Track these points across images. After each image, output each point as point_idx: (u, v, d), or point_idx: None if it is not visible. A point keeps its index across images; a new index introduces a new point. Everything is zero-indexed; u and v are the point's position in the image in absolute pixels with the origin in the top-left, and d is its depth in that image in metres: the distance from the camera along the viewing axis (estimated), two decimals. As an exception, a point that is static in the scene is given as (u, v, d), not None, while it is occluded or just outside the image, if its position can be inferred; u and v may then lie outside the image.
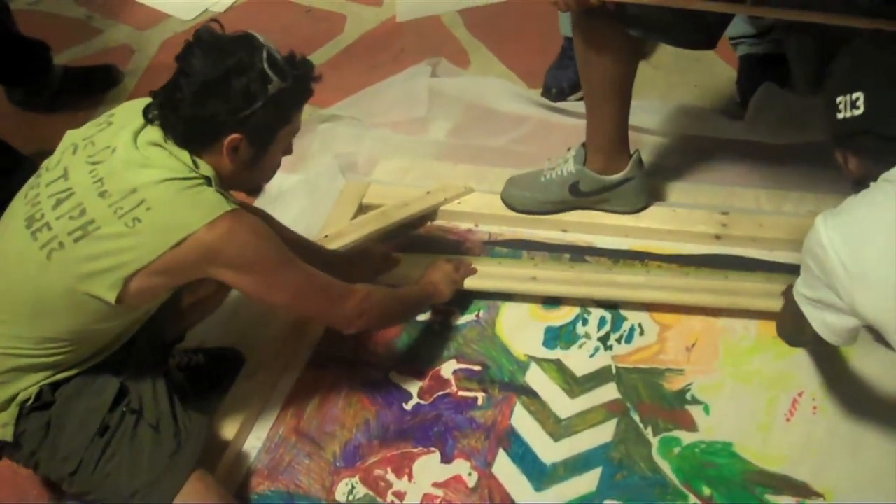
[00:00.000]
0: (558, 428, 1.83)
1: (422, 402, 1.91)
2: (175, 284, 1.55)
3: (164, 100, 1.48)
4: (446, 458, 1.81)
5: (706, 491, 1.70)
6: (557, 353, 1.97)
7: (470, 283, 2.03)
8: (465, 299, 2.06)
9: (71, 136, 1.57)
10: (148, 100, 1.53)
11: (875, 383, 1.82)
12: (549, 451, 1.80)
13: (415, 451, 1.83)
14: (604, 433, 1.82)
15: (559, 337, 2.01)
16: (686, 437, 1.79)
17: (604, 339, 1.99)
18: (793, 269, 2.01)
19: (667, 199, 2.27)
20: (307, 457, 1.83)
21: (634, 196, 2.21)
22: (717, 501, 1.69)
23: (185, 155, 1.47)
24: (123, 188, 1.44)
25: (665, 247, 2.17)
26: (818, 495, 1.67)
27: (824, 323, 1.42)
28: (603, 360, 1.95)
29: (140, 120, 1.51)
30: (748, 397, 1.84)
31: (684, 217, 2.20)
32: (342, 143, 2.58)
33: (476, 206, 2.32)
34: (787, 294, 1.63)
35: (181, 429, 1.61)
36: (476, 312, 2.07)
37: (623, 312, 2.04)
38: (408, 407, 1.91)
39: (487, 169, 2.42)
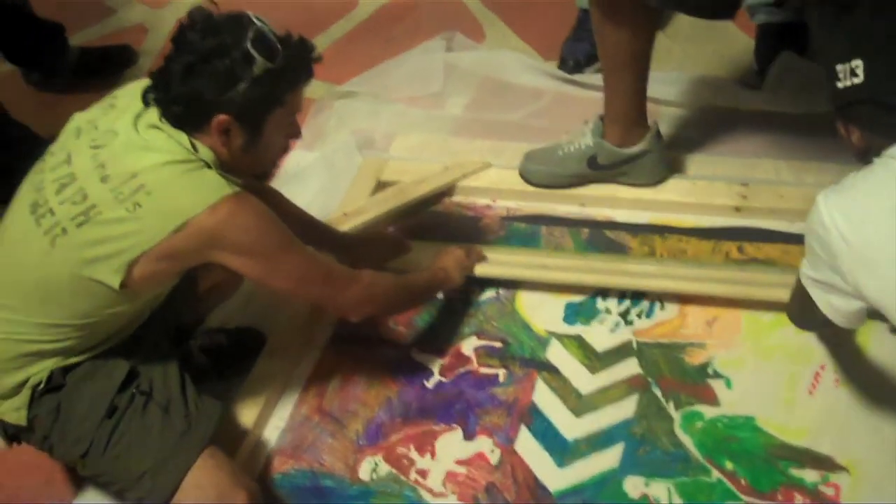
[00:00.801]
0: (580, 404, 1.84)
1: (443, 379, 1.92)
2: (180, 269, 1.54)
3: (158, 80, 1.47)
4: (469, 436, 1.81)
5: (729, 465, 1.70)
6: (578, 329, 1.97)
7: (481, 269, 2.02)
8: (469, 310, 2.04)
9: (75, 119, 1.56)
10: (148, 81, 1.52)
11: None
12: (572, 426, 1.80)
13: (437, 428, 1.83)
14: (626, 408, 1.82)
15: (579, 312, 2.01)
16: (708, 412, 1.79)
17: (624, 315, 1.98)
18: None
19: (686, 172, 2.26)
20: (330, 436, 1.84)
21: (653, 169, 2.20)
22: (740, 475, 1.69)
23: (183, 137, 1.46)
24: (124, 172, 1.43)
25: (684, 220, 2.16)
26: (842, 468, 1.67)
27: (830, 305, 1.39)
28: (624, 335, 1.95)
29: (141, 102, 1.50)
30: (770, 371, 1.84)
31: (704, 189, 2.19)
32: (359, 119, 2.58)
33: (493, 181, 2.31)
34: (797, 280, 1.60)
35: (191, 411, 1.60)
36: (496, 289, 2.07)
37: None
38: (429, 385, 1.91)
39: (504, 143, 2.41)
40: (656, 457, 1.73)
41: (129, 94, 1.54)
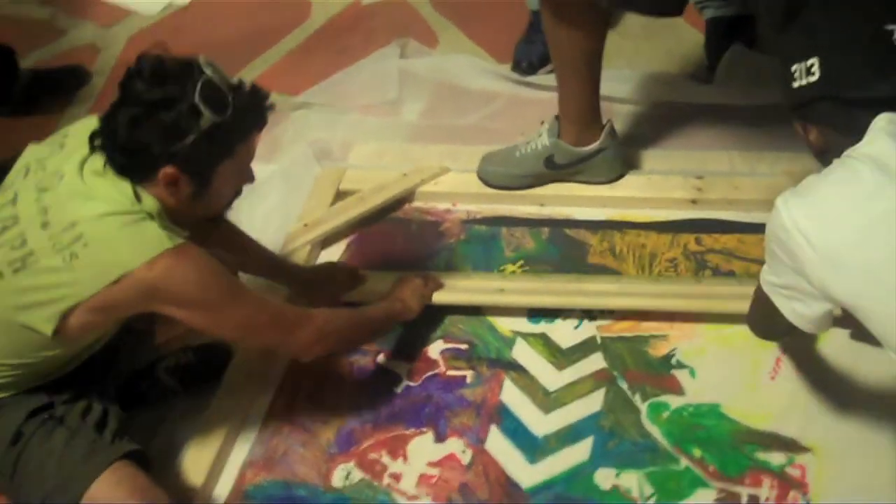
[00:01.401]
0: (548, 400, 1.85)
1: (411, 383, 1.93)
2: (118, 318, 1.53)
3: (104, 128, 1.45)
4: (439, 438, 1.82)
5: (697, 452, 1.73)
6: (542, 327, 1.99)
7: (438, 297, 1.99)
8: (435, 315, 2.03)
9: (27, 155, 1.54)
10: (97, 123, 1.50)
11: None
12: (541, 423, 1.82)
13: (408, 432, 1.84)
14: (593, 403, 1.84)
15: (543, 311, 2.02)
16: (674, 402, 1.81)
17: (587, 311, 2.00)
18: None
19: (642, 167, 2.30)
20: (301, 445, 1.84)
21: (609, 166, 2.23)
22: (708, 461, 1.71)
23: (127, 187, 1.43)
24: (64, 220, 1.41)
25: (642, 214, 2.20)
26: (807, 450, 1.70)
27: (795, 312, 1.37)
28: (588, 331, 1.97)
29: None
30: (732, 359, 1.87)
31: (660, 184, 2.23)
32: (315, 129, 2.59)
33: (453, 185, 2.33)
34: (757, 288, 1.58)
35: (102, 437, 1.56)
36: (460, 292, 2.09)
37: (605, 282, 2.06)
38: (398, 390, 1.92)
39: (461, 147, 2.43)
40: (625, 448, 1.75)
41: (79, 134, 1.51)
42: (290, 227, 2.24)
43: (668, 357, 1.89)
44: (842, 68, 1.30)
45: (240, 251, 1.87)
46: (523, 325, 2.00)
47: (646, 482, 1.70)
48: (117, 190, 1.43)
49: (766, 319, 1.52)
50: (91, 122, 1.51)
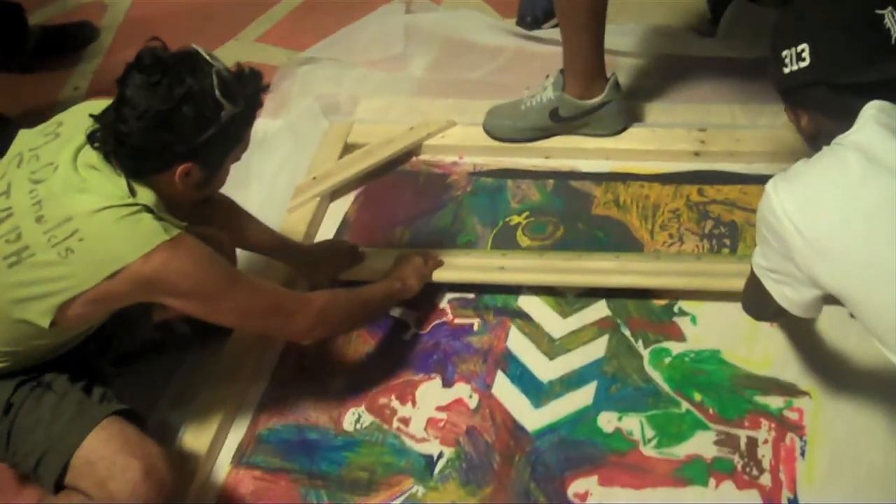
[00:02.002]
0: (552, 347, 1.90)
1: (420, 332, 1.97)
2: (115, 309, 1.54)
3: (110, 131, 1.42)
4: (447, 383, 1.87)
5: (697, 396, 1.77)
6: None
7: (438, 274, 1.99)
8: (435, 290, 2.03)
9: (19, 142, 1.54)
10: (99, 103, 1.50)
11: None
12: (545, 369, 1.86)
13: (416, 378, 1.89)
14: (596, 349, 1.88)
15: (548, 261, 2.06)
16: (675, 348, 1.86)
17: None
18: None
19: (645, 120, 2.33)
20: (312, 391, 1.89)
21: (613, 119, 2.26)
22: (708, 405, 1.76)
23: (121, 180, 1.42)
24: (59, 215, 1.40)
25: (646, 167, 2.23)
26: (804, 394, 1.75)
27: (785, 296, 1.38)
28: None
29: (84, 136, 1.46)
30: (732, 307, 1.89)
31: (663, 136, 2.26)
32: (322, 84, 2.62)
33: (459, 138, 2.36)
34: (751, 270, 1.59)
35: (89, 399, 1.58)
36: (466, 241, 2.13)
37: (606, 233, 2.10)
38: (406, 338, 1.96)
39: (467, 101, 2.46)
40: (628, 393, 1.80)
41: (74, 121, 1.51)
42: (299, 180, 2.27)
43: (670, 305, 1.94)
44: (832, 53, 1.29)
45: (239, 229, 1.89)
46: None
47: (647, 425, 1.75)
48: (111, 183, 1.42)
49: (757, 301, 1.54)
50: (84, 109, 1.51)
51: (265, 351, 1.96)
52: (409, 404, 1.85)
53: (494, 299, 2.00)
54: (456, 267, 2.01)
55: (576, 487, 1.68)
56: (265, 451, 1.79)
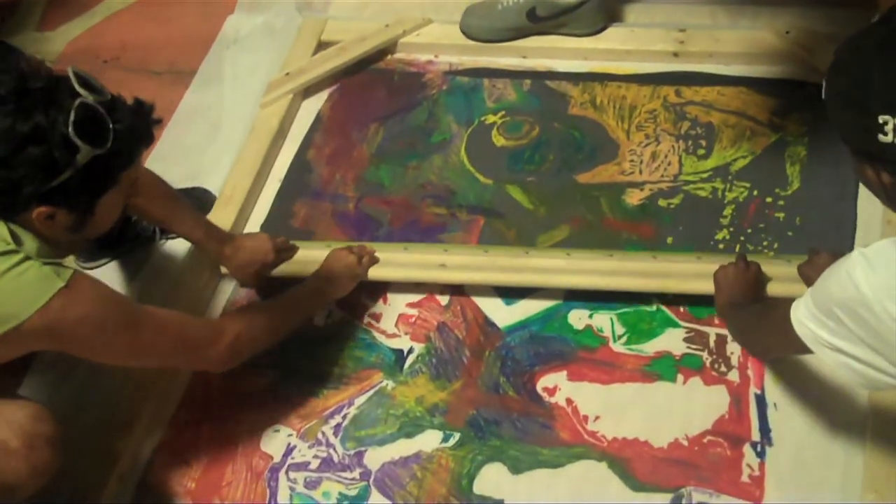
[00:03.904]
0: (525, 245, 1.89)
1: (392, 228, 1.96)
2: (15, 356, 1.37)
3: None
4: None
5: (669, 294, 1.77)
6: (522, 175, 2.02)
7: (374, 272, 1.84)
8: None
9: None
10: None
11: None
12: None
13: (388, 274, 1.88)
14: (570, 247, 1.87)
15: (523, 160, 2.04)
16: (648, 247, 1.85)
17: (567, 159, 2.03)
18: (749, 83, 2.08)
19: (624, 20, 2.29)
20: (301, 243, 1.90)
21: (592, 18, 2.22)
22: (679, 303, 1.76)
23: (2, 228, 1.28)
24: None
25: (624, 67, 2.20)
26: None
27: (851, 370, 1.18)
28: (566, 179, 2.00)
29: None
30: (707, 206, 1.90)
31: (642, 36, 2.22)
32: (296, -19, 2.55)
33: (435, 37, 2.32)
34: (762, 311, 1.50)
35: None
36: (440, 139, 2.11)
37: (582, 133, 2.07)
38: (379, 234, 1.95)
39: (444, -1, 2.41)
40: (599, 290, 1.80)
41: None
42: (272, 77, 2.24)
43: (644, 205, 1.92)
44: None
45: (164, 214, 1.76)
46: (503, 173, 2.03)
47: (618, 322, 1.76)
48: None
49: (770, 346, 1.47)
50: None
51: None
52: (381, 301, 1.85)
53: (468, 197, 1.99)
54: (393, 263, 1.86)
55: (545, 382, 1.70)
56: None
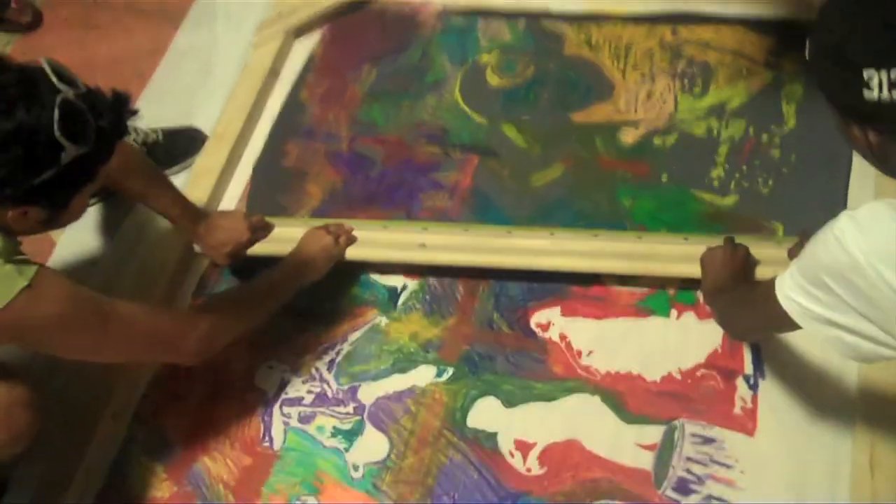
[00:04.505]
0: (519, 184, 1.88)
1: (386, 167, 1.95)
2: None
3: None
4: (413, 218, 1.86)
5: (664, 230, 1.76)
6: (516, 114, 2.00)
7: (352, 252, 1.78)
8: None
9: None
10: None
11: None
12: (512, 205, 1.85)
13: (382, 212, 1.88)
14: (564, 186, 1.86)
15: (517, 99, 2.03)
16: (643, 185, 1.84)
17: (561, 98, 2.01)
18: (745, 22, 2.06)
19: (621, -41, 2.26)
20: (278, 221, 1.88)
21: (587, -44, 2.19)
22: (674, 238, 1.76)
23: None
24: None
25: (620, 6, 2.16)
26: (770, 228, 1.74)
27: (843, 343, 1.12)
28: (561, 118, 1.98)
29: None
30: (702, 145, 1.89)
31: (638, -25, 2.20)
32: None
33: (429, -24, 2.29)
34: (745, 291, 1.46)
35: None
36: (434, 79, 2.09)
37: (578, 73, 2.05)
38: (372, 174, 1.94)
39: (438, -62, 2.37)
40: (594, 228, 1.79)
41: None
42: (264, 8, 2.22)
43: (639, 144, 1.91)
44: None
45: (140, 188, 1.71)
46: (497, 112, 2.01)
47: (613, 259, 1.75)
48: None
49: (752, 326, 1.41)
50: None
51: (226, 180, 1.94)
52: (375, 236, 1.84)
53: (461, 136, 1.97)
54: (371, 243, 1.79)
55: (538, 318, 1.70)
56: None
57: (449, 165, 1.93)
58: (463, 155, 1.94)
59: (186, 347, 1.47)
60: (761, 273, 1.62)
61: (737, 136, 1.88)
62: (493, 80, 2.08)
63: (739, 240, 1.64)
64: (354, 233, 1.78)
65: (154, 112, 1.98)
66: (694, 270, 1.63)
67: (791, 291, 1.15)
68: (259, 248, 1.80)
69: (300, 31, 2.22)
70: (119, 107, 1.30)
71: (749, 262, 1.63)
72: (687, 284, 1.68)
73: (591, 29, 2.14)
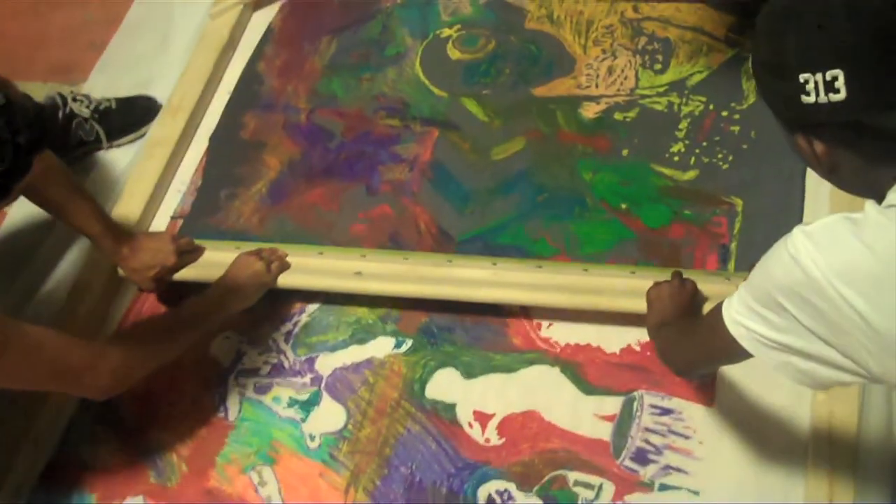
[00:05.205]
0: (480, 157, 1.87)
1: (345, 140, 1.93)
2: None
3: None
4: (372, 191, 1.84)
5: (623, 206, 1.76)
6: (477, 88, 1.99)
7: (284, 279, 1.69)
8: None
9: None
10: None
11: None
12: (472, 178, 1.84)
13: (341, 185, 1.86)
14: (524, 159, 1.85)
15: (478, 73, 2.02)
16: (604, 159, 1.83)
17: (523, 73, 2.00)
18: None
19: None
20: (234, 197, 1.85)
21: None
22: (634, 214, 1.75)
23: None
24: None
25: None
26: (729, 204, 1.74)
27: (797, 370, 1.05)
28: (522, 92, 1.97)
29: None
30: (663, 120, 1.88)
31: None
32: None
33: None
34: (682, 322, 1.40)
35: None
36: (395, 52, 2.07)
37: (539, 48, 2.04)
38: (332, 146, 1.92)
39: None
40: (555, 202, 1.78)
41: None
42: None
43: (600, 118, 1.90)
44: (878, 86, 0.95)
45: (59, 197, 1.61)
46: (458, 86, 2.00)
47: (573, 233, 1.74)
48: None
49: (696, 359, 1.31)
50: None
51: (182, 153, 1.91)
52: (333, 210, 1.82)
53: (422, 109, 1.96)
54: (305, 270, 1.71)
55: (498, 290, 1.69)
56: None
57: (409, 138, 1.91)
58: (423, 128, 1.93)
59: (95, 381, 1.37)
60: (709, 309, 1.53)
61: (697, 112, 1.88)
62: (454, 53, 2.06)
63: (688, 275, 1.58)
64: (288, 259, 1.70)
65: (109, 84, 1.95)
66: (640, 305, 1.54)
67: (739, 315, 1.08)
68: (186, 273, 1.72)
69: (259, 2, 2.20)
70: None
71: (697, 298, 1.56)
72: (644, 255, 1.68)
73: (552, 3, 2.13)
